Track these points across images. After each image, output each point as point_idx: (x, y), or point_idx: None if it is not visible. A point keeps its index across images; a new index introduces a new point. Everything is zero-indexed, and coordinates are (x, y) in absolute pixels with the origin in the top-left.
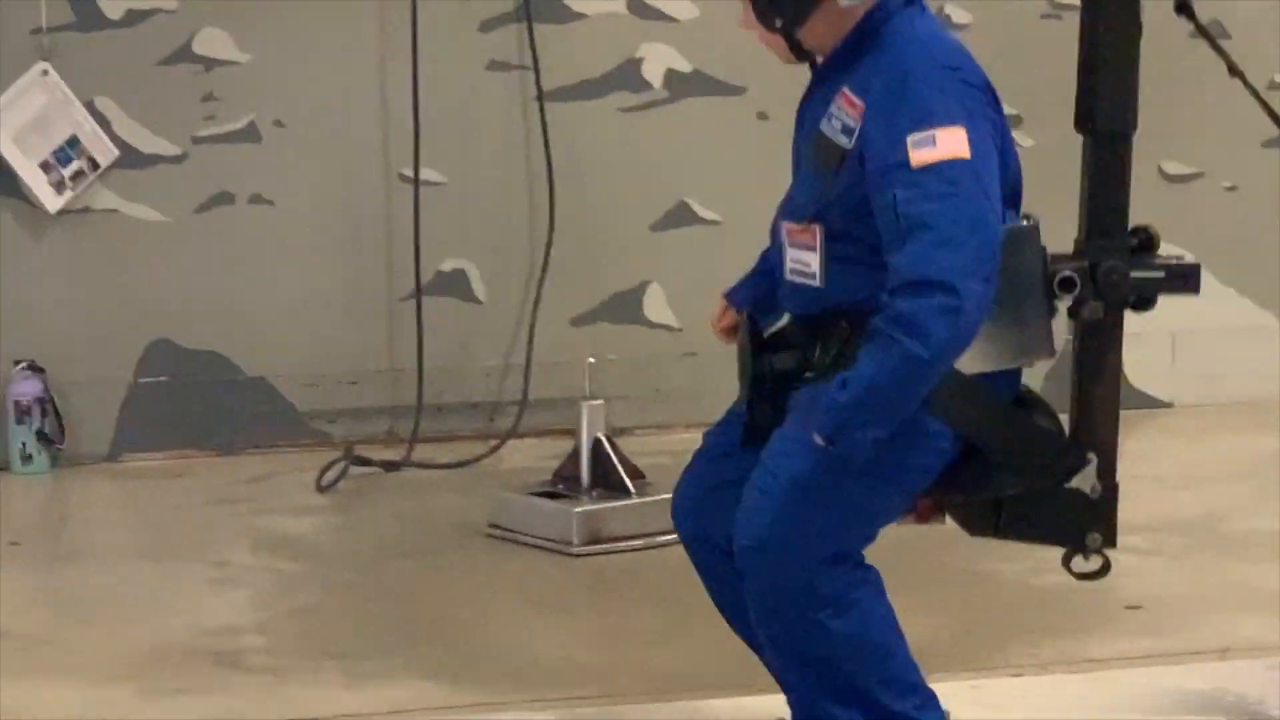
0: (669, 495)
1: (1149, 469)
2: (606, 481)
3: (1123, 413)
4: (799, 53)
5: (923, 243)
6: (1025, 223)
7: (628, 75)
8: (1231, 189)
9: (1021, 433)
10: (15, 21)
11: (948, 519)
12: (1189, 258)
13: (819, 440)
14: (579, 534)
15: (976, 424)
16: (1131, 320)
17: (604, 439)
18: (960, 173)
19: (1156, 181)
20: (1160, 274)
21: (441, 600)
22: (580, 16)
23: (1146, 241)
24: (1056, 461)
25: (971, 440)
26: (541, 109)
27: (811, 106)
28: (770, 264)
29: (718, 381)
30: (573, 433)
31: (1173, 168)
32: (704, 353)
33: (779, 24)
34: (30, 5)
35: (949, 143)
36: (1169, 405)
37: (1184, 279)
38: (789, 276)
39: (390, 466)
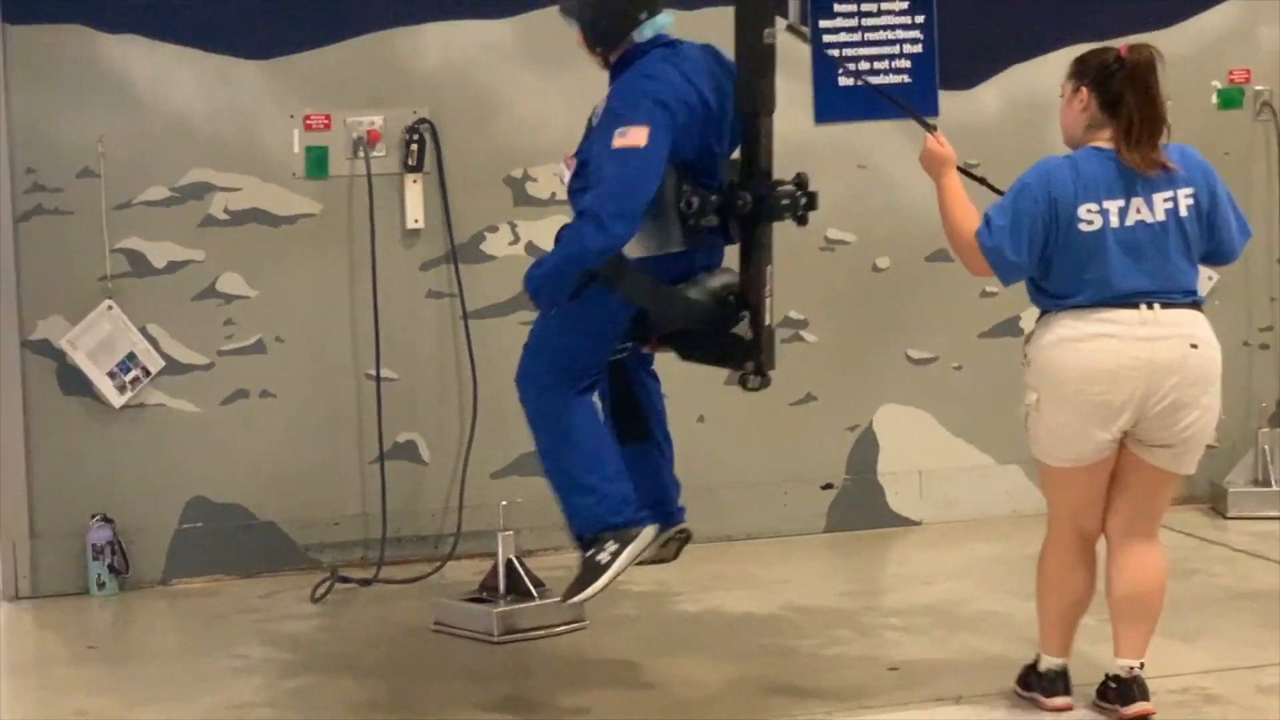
0: (561, 599)
1: (906, 570)
2: (517, 589)
3: (886, 531)
4: (605, 64)
5: (598, 192)
6: (673, 172)
7: (526, 299)
8: (958, 368)
9: (667, 299)
10: (87, 272)
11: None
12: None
13: (530, 300)
14: (498, 628)
15: (635, 293)
16: (892, 461)
17: (515, 559)
18: (632, 155)
19: (905, 364)
20: (778, 200)
21: (399, 679)
22: (492, 258)
23: (800, 182)
24: (704, 319)
25: (636, 303)
26: (466, 325)
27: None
28: None
29: None
30: (493, 555)
31: (915, 353)
32: None
33: (598, 50)
34: (98, 259)
35: (633, 136)
36: (920, 524)
37: (793, 204)
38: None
39: (363, 583)
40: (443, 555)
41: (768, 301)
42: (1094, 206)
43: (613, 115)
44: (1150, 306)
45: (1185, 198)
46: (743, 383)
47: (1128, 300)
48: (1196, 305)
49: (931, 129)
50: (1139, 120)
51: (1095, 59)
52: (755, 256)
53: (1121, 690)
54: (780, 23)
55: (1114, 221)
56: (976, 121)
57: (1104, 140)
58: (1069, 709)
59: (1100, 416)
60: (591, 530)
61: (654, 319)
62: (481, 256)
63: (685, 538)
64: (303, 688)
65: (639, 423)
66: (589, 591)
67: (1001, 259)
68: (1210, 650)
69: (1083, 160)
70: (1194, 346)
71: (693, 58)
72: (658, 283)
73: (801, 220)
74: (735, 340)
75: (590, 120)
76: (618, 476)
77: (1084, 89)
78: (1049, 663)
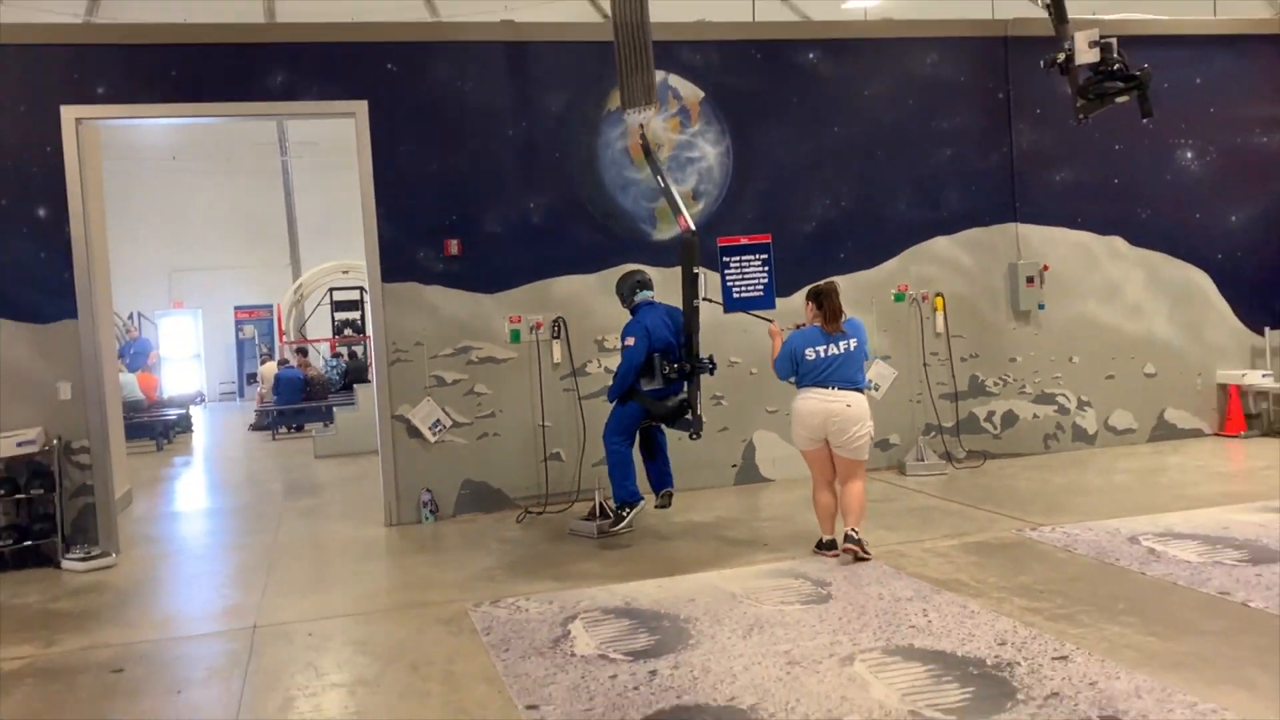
0: (606, 528)
1: (769, 502)
2: (604, 514)
3: (759, 484)
4: (629, 310)
5: (621, 360)
6: (655, 354)
7: (606, 394)
8: (787, 414)
9: (656, 405)
10: (418, 385)
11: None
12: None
13: (609, 398)
14: (596, 532)
15: (643, 402)
16: (762, 453)
17: (601, 502)
18: (627, 350)
19: (765, 413)
20: (699, 366)
21: (558, 554)
22: (589, 374)
23: (710, 359)
24: (673, 413)
25: (644, 406)
26: (580, 403)
27: None
28: None
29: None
30: (592, 499)
31: (769, 408)
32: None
33: (625, 306)
34: (423, 379)
35: (627, 341)
36: (774, 480)
37: (705, 367)
38: None
39: (539, 514)
40: (572, 500)
41: (699, 405)
42: (812, 349)
43: (625, 331)
44: (833, 388)
45: (851, 342)
46: (690, 437)
47: (824, 384)
48: (859, 389)
49: (770, 321)
50: (828, 312)
51: (813, 289)
52: (692, 386)
53: (847, 540)
54: (699, 300)
55: (822, 354)
56: (793, 309)
57: (819, 321)
58: (837, 555)
59: (810, 430)
60: (618, 500)
61: (652, 412)
62: (585, 373)
63: (669, 495)
64: (514, 561)
65: (653, 450)
66: (616, 530)
67: (783, 374)
68: (900, 534)
69: (808, 331)
70: (849, 406)
71: (662, 308)
72: (650, 397)
73: (711, 373)
74: (686, 421)
75: (621, 334)
76: (632, 480)
77: (810, 303)
78: (825, 538)
